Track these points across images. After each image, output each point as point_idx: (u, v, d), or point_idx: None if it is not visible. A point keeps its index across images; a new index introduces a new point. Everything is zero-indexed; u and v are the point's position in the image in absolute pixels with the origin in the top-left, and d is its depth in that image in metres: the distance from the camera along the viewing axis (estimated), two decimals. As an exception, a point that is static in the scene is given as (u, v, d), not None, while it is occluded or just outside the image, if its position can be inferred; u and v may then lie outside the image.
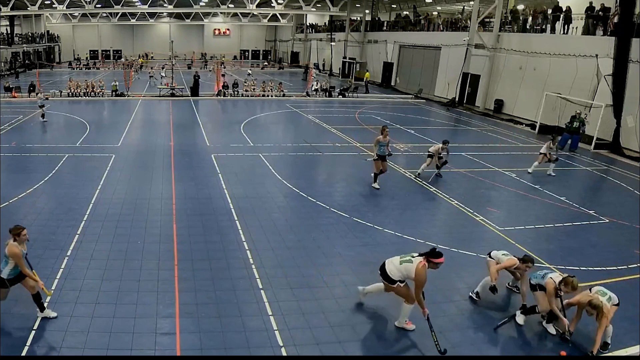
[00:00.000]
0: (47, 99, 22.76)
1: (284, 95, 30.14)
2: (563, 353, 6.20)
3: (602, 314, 5.96)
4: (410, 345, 6.28)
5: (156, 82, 34.27)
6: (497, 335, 6.52)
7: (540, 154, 14.25)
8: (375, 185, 12.38)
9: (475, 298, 7.30)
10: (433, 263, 6.22)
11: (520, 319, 6.77)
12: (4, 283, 6.08)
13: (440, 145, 13.42)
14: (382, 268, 6.48)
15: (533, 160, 14.64)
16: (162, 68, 39.44)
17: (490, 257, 7.29)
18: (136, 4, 51.09)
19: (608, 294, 6.27)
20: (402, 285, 6.37)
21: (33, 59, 48.70)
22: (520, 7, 29.29)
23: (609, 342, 6.27)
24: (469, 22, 28.55)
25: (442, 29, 32.99)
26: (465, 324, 6.78)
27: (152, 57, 58.84)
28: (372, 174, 12.48)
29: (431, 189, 12.65)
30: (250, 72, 42.52)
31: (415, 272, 6.12)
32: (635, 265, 8.71)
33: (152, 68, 40.83)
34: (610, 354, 6.22)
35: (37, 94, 22.91)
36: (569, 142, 18.44)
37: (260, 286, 7.44)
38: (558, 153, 15.61)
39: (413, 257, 6.31)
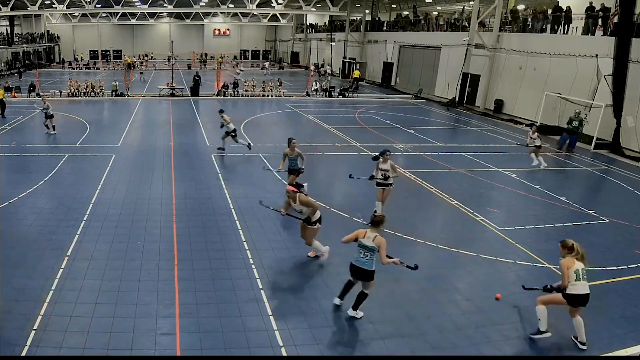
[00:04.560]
0: (47, 107, 17.30)
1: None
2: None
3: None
4: (409, 345, 6.28)
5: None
6: (497, 336, 6.52)
7: (528, 146, 15.28)
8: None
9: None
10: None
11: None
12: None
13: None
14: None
15: (532, 160, 14.68)
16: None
17: None
18: (136, 4, 51.09)
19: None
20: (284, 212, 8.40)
21: (33, 59, 48.71)
22: (521, 7, 29.29)
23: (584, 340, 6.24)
24: (466, 22, 28.56)
25: (444, 27, 32.90)
26: (465, 324, 6.77)
27: (152, 57, 58.79)
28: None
29: (431, 189, 12.65)
30: (267, 71, 44.78)
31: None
32: (635, 265, 8.71)
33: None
34: (610, 354, 6.22)
35: (37, 94, 21.33)
36: (567, 142, 18.43)
37: (260, 286, 7.44)
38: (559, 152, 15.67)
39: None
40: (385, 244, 6.36)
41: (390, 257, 6.49)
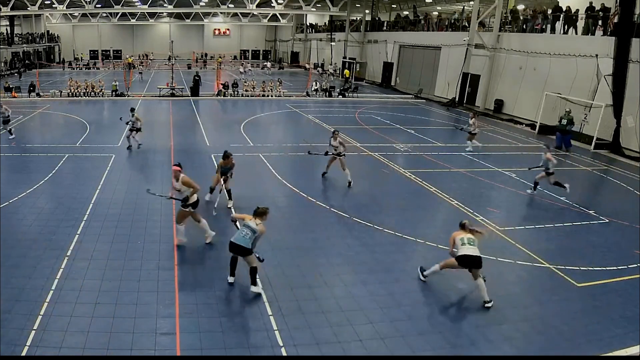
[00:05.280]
0: (3, 112, 17.13)
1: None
2: None
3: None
4: (409, 344, 6.28)
5: None
6: (497, 336, 6.52)
7: (463, 130, 17.25)
8: (207, 197, 11.02)
9: None
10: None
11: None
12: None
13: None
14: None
15: (532, 160, 14.64)
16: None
17: None
18: (136, 4, 51.06)
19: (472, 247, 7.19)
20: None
21: (33, 59, 48.70)
22: (521, 7, 29.29)
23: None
24: (466, 22, 28.55)
25: (446, 26, 32.85)
26: (465, 324, 6.78)
27: (152, 57, 58.76)
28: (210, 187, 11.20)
29: (431, 189, 12.66)
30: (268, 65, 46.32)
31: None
32: (635, 265, 8.71)
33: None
34: (610, 354, 6.22)
35: (37, 94, 20.35)
36: (563, 141, 18.43)
37: (261, 286, 7.44)
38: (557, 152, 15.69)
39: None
40: (264, 234, 7.30)
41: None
